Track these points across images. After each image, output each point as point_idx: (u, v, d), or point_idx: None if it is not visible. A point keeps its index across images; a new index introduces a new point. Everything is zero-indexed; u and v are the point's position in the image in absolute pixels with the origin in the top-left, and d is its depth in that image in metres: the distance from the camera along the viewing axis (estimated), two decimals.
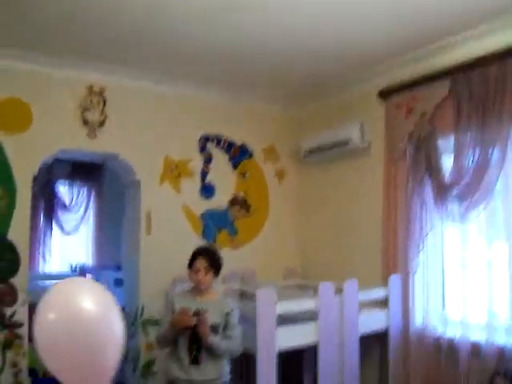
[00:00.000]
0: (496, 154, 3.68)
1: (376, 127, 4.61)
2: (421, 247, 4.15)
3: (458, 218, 3.90)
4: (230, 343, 3.23)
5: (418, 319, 4.21)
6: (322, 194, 5.37)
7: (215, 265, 3.32)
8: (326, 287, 3.88)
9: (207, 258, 3.29)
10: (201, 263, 3.26)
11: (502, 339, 3.68)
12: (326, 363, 3.85)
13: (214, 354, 3.19)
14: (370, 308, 4.22)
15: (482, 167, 3.73)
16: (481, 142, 3.74)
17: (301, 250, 5.62)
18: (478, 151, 3.77)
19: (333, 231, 5.20)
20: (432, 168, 4.05)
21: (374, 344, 4.41)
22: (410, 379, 4.17)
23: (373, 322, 4.19)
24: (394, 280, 4.29)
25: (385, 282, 4.30)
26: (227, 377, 3.33)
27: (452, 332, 3.97)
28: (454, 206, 3.92)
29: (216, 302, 3.34)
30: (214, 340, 3.16)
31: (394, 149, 4.40)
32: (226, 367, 3.31)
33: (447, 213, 3.96)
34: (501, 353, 3.65)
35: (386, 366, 4.26)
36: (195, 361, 3.18)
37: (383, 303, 4.28)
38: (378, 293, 4.27)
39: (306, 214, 5.58)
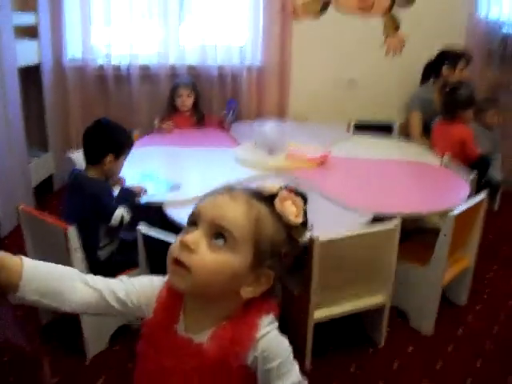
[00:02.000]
0: None
1: None
2: None
3: None
4: None
5: (74, 50, 3.70)
6: None
7: None
8: None
9: None
10: None
11: (172, 60, 3.70)
12: None
13: None
14: (19, 37, 3.36)
15: None
16: None
17: None
18: None
19: None
20: None
21: (28, 79, 3.62)
22: (69, 114, 3.76)
23: (25, 53, 3.40)
24: (43, 4, 3.52)
25: (27, 7, 3.47)
26: None
27: (117, 60, 3.69)
28: None
29: None
30: None
31: None
32: None
33: None
34: (172, 71, 3.71)
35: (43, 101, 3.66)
36: None
37: (32, 32, 3.51)
38: (27, 18, 3.44)
39: None
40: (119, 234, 2.29)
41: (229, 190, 0.93)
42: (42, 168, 3.69)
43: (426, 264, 2.21)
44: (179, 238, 0.89)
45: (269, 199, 0.93)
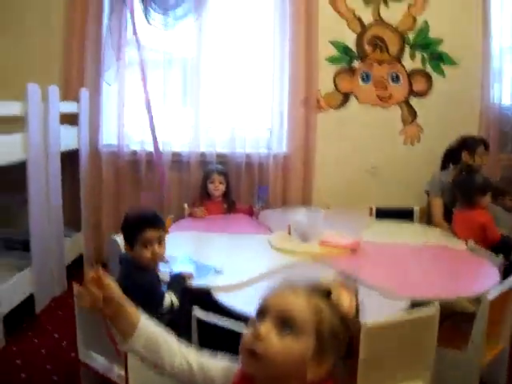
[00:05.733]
0: None
1: None
2: (117, 58, 3.79)
3: (163, 26, 3.76)
4: None
5: (109, 136, 3.96)
6: None
7: None
8: (34, 89, 3.10)
9: None
10: None
11: (202, 148, 3.95)
12: (34, 181, 3.16)
13: None
14: (63, 123, 3.61)
15: None
16: None
17: None
18: None
19: None
20: None
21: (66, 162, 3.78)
22: (102, 195, 3.96)
23: (67, 137, 3.63)
24: (85, 95, 3.82)
25: (70, 97, 3.77)
26: None
27: (149, 147, 3.92)
28: (159, 14, 3.74)
29: None
30: None
31: None
32: None
33: (152, 19, 3.74)
34: (203, 158, 3.93)
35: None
36: None
37: (73, 119, 3.77)
38: (70, 107, 3.70)
39: None
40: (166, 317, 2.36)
41: (291, 285, 1.09)
42: (73, 247, 3.82)
43: (464, 349, 2.28)
44: (249, 329, 1.04)
45: (326, 293, 1.08)
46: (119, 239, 2.67)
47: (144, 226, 2.20)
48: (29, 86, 3.05)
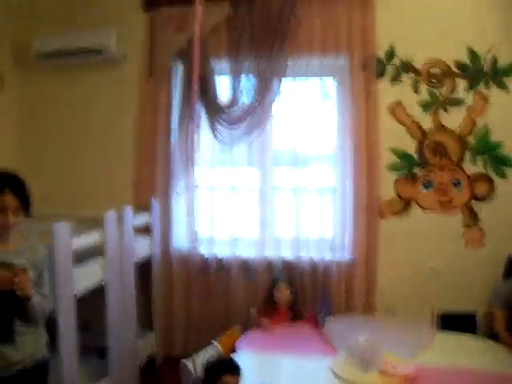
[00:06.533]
0: (273, 84, 3.91)
1: (134, 38, 4.17)
2: (186, 169, 4.07)
3: (229, 141, 4.01)
4: (45, 302, 2.37)
5: (181, 242, 4.21)
6: (57, 111, 4.45)
7: (27, 202, 2.32)
8: (111, 216, 3.41)
9: (17, 193, 2.26)
10: (10, 200, 2.22)
11: (269, 253, 4.11)
12: (113, 301, 3.43)
13: (29, 320, 2.29)
14: (136, 235, 3.90)
15: (259, 95, 3.91)
16: (259, 71, 3.88)
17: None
18: (255, 79, 3.91)
19: (71, 158, 4.43)
20: (205, 89, 3.93)
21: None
22: (174, 299, 4.19)
23: (140, 247, 3.92)
24: (156, 206, 4.12)
25: (140, 208, 4.04)
26: (46, 350, 2.45)
27: (220, 251, 4.15)
28: (225, 130, 3.99)
29: (25, 249, 2.36)
30: (35, 301, 2.25)
31: (157, 65, 4.07)
32: (43, 337, 2.45)
33: (218, 136, 4.00)
34: (269, 264, 4.09)
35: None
36: (10, 335, 2.24)
37: (144, 229, 4.05)
38: (143, 219, 4.00)
39: (34, 135, 4.49)
40: None
41: None
42: (146, 347, 4.04)
43: None
44: None
45: None
46: (189, 364, 2.90)
47: (223, 372, 2.55)
48: (106, 215, 3.36)
